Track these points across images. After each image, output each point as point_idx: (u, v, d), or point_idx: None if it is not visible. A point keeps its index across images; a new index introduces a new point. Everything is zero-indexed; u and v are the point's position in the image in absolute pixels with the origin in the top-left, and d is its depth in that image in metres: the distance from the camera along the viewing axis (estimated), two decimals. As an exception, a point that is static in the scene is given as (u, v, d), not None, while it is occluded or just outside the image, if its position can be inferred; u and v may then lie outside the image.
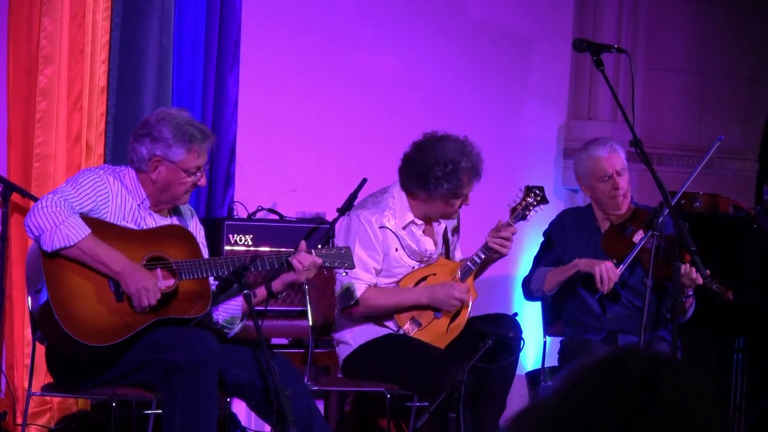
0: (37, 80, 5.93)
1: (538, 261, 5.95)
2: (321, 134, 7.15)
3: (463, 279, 5.56)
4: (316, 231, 6.36)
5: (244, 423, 6.28)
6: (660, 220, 5.36)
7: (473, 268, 5.55)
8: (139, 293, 4.63)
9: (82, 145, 6.04)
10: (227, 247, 6.18)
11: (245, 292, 4.71)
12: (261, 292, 4.92)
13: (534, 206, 5.62)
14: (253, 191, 6.75)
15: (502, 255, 5.54)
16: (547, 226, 5.99)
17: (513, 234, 5.52)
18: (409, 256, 5.53)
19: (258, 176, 6.90)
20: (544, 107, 7.93)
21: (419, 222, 5.54)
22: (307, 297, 5.83)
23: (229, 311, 5.01)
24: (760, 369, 6.73)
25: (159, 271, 4.74)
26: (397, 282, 5.53)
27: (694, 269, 5.37)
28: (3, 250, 5.83)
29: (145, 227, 4.83)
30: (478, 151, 5.48)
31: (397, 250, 5.50)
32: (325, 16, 7.18)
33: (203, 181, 4.91)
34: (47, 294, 4.61)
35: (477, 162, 5.45)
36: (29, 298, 4.87)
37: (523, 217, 5.61)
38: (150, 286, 4.65)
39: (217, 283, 4.94)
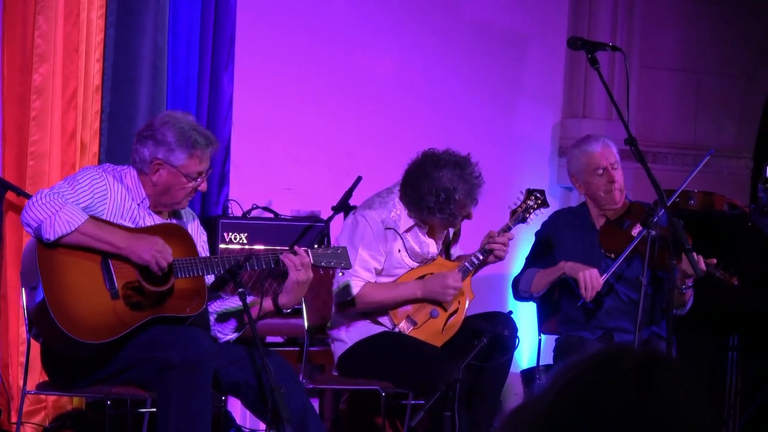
0: (32, 78, 5.93)
1: (529, 262, 5.95)
2: (316, 132, 7.15)
3: (461, 279, 5.56)
4: (311, 229, 6.36)
5: (239, 421, 6.27)
6: (655, 219, 5.36)
7: (471, 268, 5.55)
8: (155, 258, 4.64)
9: (76, 144, 6.03)
10: (222, 246, 6.18)
11: (240, 290, 4.71)
12: (266, 304, 4.89)
13: (534, 209, 5.63)
14: (247, 189, 6.74)
15: (499, 258, 5.54)
16: (539, 227, 5.98)
17: (509, 240, 5.52)
18: (410, 257, 5.53)
19: (253, 174, 6.90)
20: (538, 106, 7.93)
21: (423, 225, 5.54)
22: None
23: (222, 307, 5.00)
24: (756, 367, 6.74)
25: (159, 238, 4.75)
26: (394, 281, 5.53)
27: (701, 258, 5.37)
28: (-2, 249, 5.83)
29: (143, 226, 4.82)
30: (478, 174, 5.43)
31: (399, 251, 5.50)
32: (320, 16, 7.18)
33: (204, 187, 4.90)
34: (43, 291, 4.61)
35: (474, 189, 5.40)
36: (24, 295, 4.87)
37: (523, 220, 5.62)
38: (160, 247, 4.65)
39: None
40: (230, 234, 6.22)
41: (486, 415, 5.44)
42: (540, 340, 6.10)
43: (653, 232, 5.36)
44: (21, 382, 5.37)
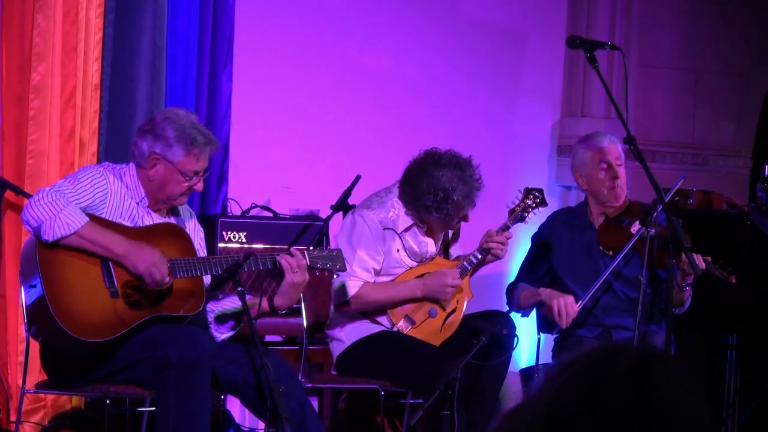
0: (30, 77, 5.93)
1: (525, 268, 5.94)
2: (315, 131, 7.15)
3: (457, 271, 5.56)
4: (310, 228, 6.36)
5: (238, 420, 6.28)
6: (653, 217, 5.36)
7: (469, 267, 5.55)
8: (149, 270, 4.63)
9: (75, 143, 6.03)
10: (221, 245, 6.18)
11: (239, 289, 4.71)
12: (264, 305, 4.89)
13: (533, 208, 5.62)
14: (246, 188, 6.74)
15: (498, 257, 5.54)
16: (536, 230, 5.97)
17: (508, 239, 5.52)
18: (409, 257, 5.53)
19: (252, 173, 6.90)
20: (537, 104, 7.93)
21: (421, 225, 5.53)
22: (301, 294, 5.83)
23: (220, 308, 5.00)
24: (754, 366, 6.74)
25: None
26: (393, 281, 5.53)
27: (699, 257, 5.37)
28: (-4, 248, 5.83)
29: (142, 225, 4.82)
30: (478, 176, 5.42)
31: (398, 251, 5.50)
32: (318, 14, 7.18)
33: (200, 186, 4.89)
34: (42, 288, 4.61)
35: (473, 191, 5.39)
36: (23, 293, 4.87)
37: (522, 219, 5.62)
38: (156, 259, 4.65)
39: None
40: (229, 233, 6.22)
41: (484, 414, 5.44)
42: (539, 339, 6.10)
43: (652, 231, 5.36)
44: (20, 381, 5.37)
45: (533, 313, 6.09)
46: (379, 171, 6.01)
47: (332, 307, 5.58)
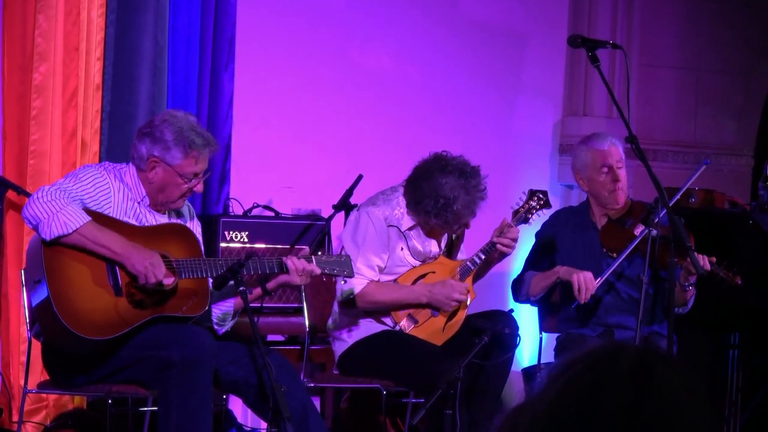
0: (32, 77, 5.93)
1: (529, 264, 5.95)
2: (316, 131, 7.15)
3: (462, 279, 5.56)
4: (312, 228, 6.36)
5: (240, 420, 6.28)
6: (657, 218, 5.36)
7: (473, 268, 5.55)
8: (147, 270, 4.63)
9: (77, 143, 6.03)
10: (223, 244, 6.18)
11: (241, 289, 4.71)
12: (255, 290, 4.91)
13: (536, 210, 5.62)
14: (248, 188, 6.74)
15: (506, 255, 5.54)
16: (540, 227, 5.98)
17: (518, 234, 5.52)
18: (412, 256, 5.53)
19: (253, 173, 6.90)
20: (539, 103, 7.93)
21: (423, 225, 5.53)
22: (303, 294, 5.84)
23: (222, 309, 5.01)
24: (755, 364, 6.74)
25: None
26: (395, 279, 5.53)
27: (705, 258, 5.37)
28: (-2, 248, 5.84)
29: (146, 224, 4.82)
30: (483, 187, 5.40)
31: (402, 249, 5.50)
32: (320, 14, 7.18)
33: (200, 188, 4.89)
34: (46, 285, 4.61)
35: (474, 202, 5.37)
36: (26, 290, 4.87)
37: (525, 220, 5.61)
38: (155, 261, 4.65)
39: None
40: (231, 233, 6.22)
41: (486, 414, 5.44)
42: (541, 339, 6.11)
43: (654, 231, 5.36)
44: (22, 381, 5.37)
45: (535, 313, 6.09)
46: (380, 170, 6.01)
47: (336, 305, 5.57)
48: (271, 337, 6.43)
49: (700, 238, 5.57)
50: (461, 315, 5.56)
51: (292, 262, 4.85)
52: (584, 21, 7.91)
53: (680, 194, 5.74)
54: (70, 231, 4.57)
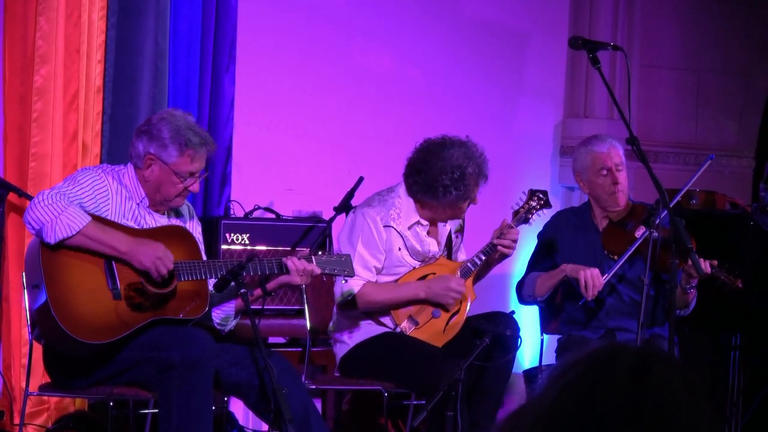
0: (33, 80, 5.93)
1: (532, 265, 5.95)
2: (317, 133, 7.15)
3: (462, 279, 5.56)
4: (313, 230, 6.36)
5: (241, 422, 6.28)
6: (658, 220, 5.36)
7: (473, 269, 5.55)
8: (155, 264, 4.64)
9: (78, 145, 6.03)
10: (224, 246, 6.18)
11: (242, 291, 4.71)
12: (255, 291, 4.92)
13: (537, 210, 5.62)
14: (249, 190, 6.74)
15: (506, 256, 5.54)
16: (541, 228, 5.98)
17: (518, 234, 5.53)
18: (411, 256, 5.53)
19: (254, 175, 6.90)
20: (540, 105, 7.93)
21: (424, 223, 5.54)
22: (305, 296, 5.84)
23: (225, 312, 5.01)
24: (756, 363, 6.74)
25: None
26: (396, 281, 5.53)
27: (704, 260, 5.38)
28: (0, 250, 5.83)
29: (145, 226, 4.82)
30: (482, 152, 5.48)
31: (400, 249, 5.50)
32: (321, 16, 7.18)
33: (196, 188, 4.88)
34: (45, 290, 4.61)
35: (482, 164, 5.45)
36: (27, 295, 4.87)
37: (526, 221, 5.61)
38: (161, 253, 4.66)
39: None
40: (232, 235, 6.22)
41: (487, 415, 5.44)
42: (542, 340, 6.11)
43: (656, 233, 5.36)
44: (23, 384, 5.37)
45: (536, 314, 6.09)
46: (382, 172, 6.00)
47: (335, 308, 5.58)
48: (272, 339, 6.43)
49: (701, 239, 5.56)
50: (461, 316, 5.56)
51: (292, 262, 4.85)
52: (585, 22, 7.91)
53: (684, 190, 5.74)
54: (74, 233, 4.57)
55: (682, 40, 8.25)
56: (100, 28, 6.10)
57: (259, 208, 6.61)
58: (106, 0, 6.10)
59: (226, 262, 4.82)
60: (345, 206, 6.13)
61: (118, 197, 4.78)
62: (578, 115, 7.98)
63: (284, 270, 4.86)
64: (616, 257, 5.64)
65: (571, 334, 5.80)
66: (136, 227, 4.80)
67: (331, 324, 5.64)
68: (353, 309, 5.48)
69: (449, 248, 5.69)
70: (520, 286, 5.89)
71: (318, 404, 5.70)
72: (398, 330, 5.52)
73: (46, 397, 5.84)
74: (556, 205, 6.70)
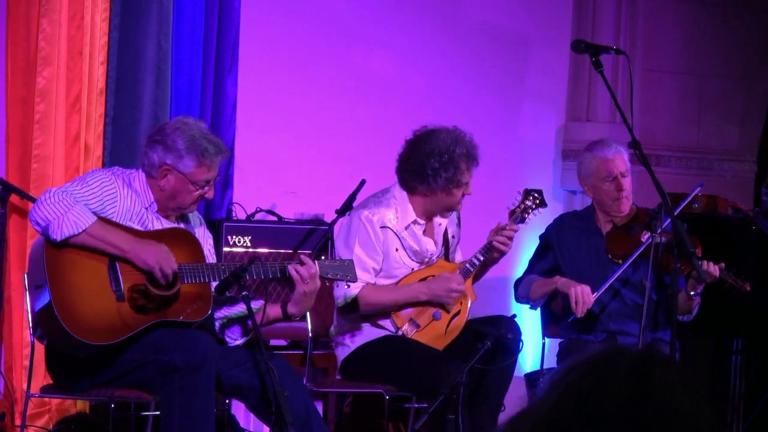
0: (36, 81, 5.93)
1: (532, 265, 5.95)
2: (320, 136, 7.15)
3: (462, 278, 5.56)
4: (315, 232, 6.36)
5: (243, 424, 6.28)
6: (660, 223, 5.36)
7: (472, 269, 5.55)
8: (159, 264, 4.65)
9: (80, 147, 6.04)
10: (226, 249, 6.18)
11: (244, 294, 4.71)
12: (275, 312, 4.91)
13: (533, 209, 5.63)
14: (251, 193, 6.74)
15: (503, 253, 5.54)
16: (544, 230, 5.98)
17: (514, 233, 5.53)
18: (409, 256, 5.53)
19: (257, 178, 6.90)
20: (542, 108, 7.93)
21: (421, 221, 5.54)
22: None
23: (229, 314, 5.01)
24: (757, 365, 6.73)
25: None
26: (396, 283, 5.52)
27: (711, 263, 5.38)
28: (1, 252, 5.83)
29: (150, 229, 4.83)
30: (470, 137, 5.49)
31: (397, 250, 5.50)
32: (324, 19, 7.18)
33: (210, 194, 4.91)
34: (48, 290, 4.62)
35: (471, 148, 5.46)
36: (29, 295, 4.87)
37: (522, 220, 5.62)
38: (164, 254, 4.67)
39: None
40: (234, 237, 6.22)
41: (489, 418, 5.44)
42: (544, 344, 6.11)
43: (659, 237, 5.36)
44: (25, 386, 5.38)
45: (538, 318, 6.09)
46: (383, 175, 6.00)
47: (336, 311, 5.58)
48: (273, 342, 6.43)
49: (703, 243, 5.57)
50: (462, 319, 5.57)
51: (295, 270, 4.85)
52: (588, 26, 7.91)
53: (678, 210, 5.74)
54: (80, 231, 4.59)
55: (684, 44, 8.25)
56: (102, 29, 6.10)
57: (261, 210, 6.61)
58: (108, 2, 6.11)
59: (229, 265, 4.83)
60: (347, 209, 6.13)
61: (125, 200, 4.79)
62: (580, 118, 7.98)
63: (286, 275, 4.86)
64: (620, 261, 5.64)
65: (572, 337, 5.80)
66: (141, 230, 4.80)
67: (332, 327, 5.64)
68: (354, 312, 5.48)
69: (446, 249, 5.69)
70: (517, 285, 5.90)
71: (319, 407, 5.70)
72: (399, 333, 5.52)
73: (47, 399, 5.84)
74: (559, 209, 6.70)
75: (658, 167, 7.45)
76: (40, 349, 5.00)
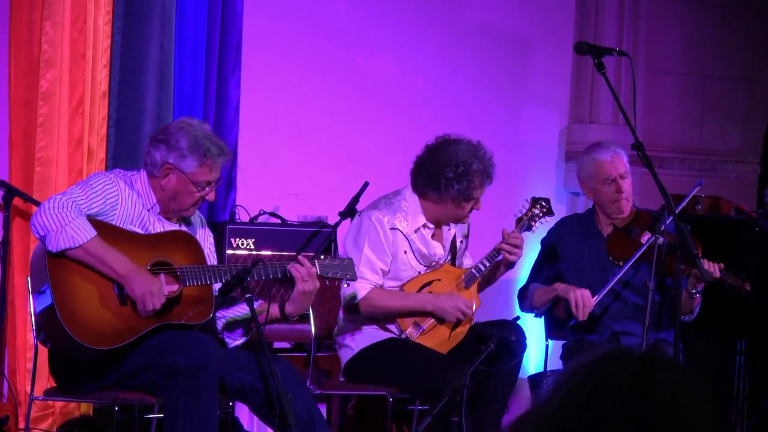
0: (39, 84, 5.94)
1: (534, 272, 5.95)
2: (323, 138, 7.16)
3: (467, 286, 5.56)
4: (318, 235, 6.37)
5: (246, 427, 6.27)
6: (663, 225, 5.36)
7: (477, 275, 5.55)
8: (144, 297, 4.63)
9: (83, 150, 6.04)
10: (229, 251, 6.19)
11: (247, 296, 4.71)
12: (272, 311, 4.91)
13: (540, 217, 5.63)
14: (254, 195, 6.75)
15: (511, 262, 5.53)
16: (545, 235, 5.98)
17: (522, 241, 5.53)
18: (417, 260, 5.53)
19: (260, 180, 6.91)
20: (545, 110, 7.93)
21: (430, 225, 5.54)
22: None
23: (231, 316, 5.02)
24: (760, 366, 6.73)
25: (163, 276, 4.75)
26: (401, 286, 5.52)
27: (712, 263, 5.39)
28: (5, 255, 5.83)
29: (153, 232, 4.83)
30: (490, 155, 5.49)
31: (406, 252, 5.50)
32: (326, 22, 7.19)
33: (211, 196, 4.91)
34: (51, 294, 4.61)
35: (488, 166, 5.46)
36: (32, 299, 4.87)
37: (529, 228, 5.62)
38: (155, 290, 4.65)
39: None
40: (237, 240, 6.23)
41: (492, 421, 5.44)
42: (547, 346, 6.10)
43: (661, 239, 5.36)
44: (28, 388, 5.38)
45: (540, 320, 6.09)
46: (386, 178, 6.01)
47: (341, 312, 5.58)
48: (277, 344, 6.43)
49: (706, 244, 5.57)
50: (466, 325, 5.56)
51: (295, 269, 4.85)
52: (590, 28, 7.92)
53: (679, 209, 5.74)
54: (76, 245, 4.58)
55: (686, 46, 8.25)
56: (105, 32, 6.11)
57: (264, 213, 6.61)
58: (111, 5, 6.11)
59: (230, 267, 4.83)
60: (350, 211, 6.13)
61: (127, 202, 4.79)
62: (583, 120, 7.98)
63: (288, 275, 4.87)
64: (621, 263, 5.64)
65: (576, 339, 5.81)
66: (142, 232, 4.80)
67: (336, 329, 5.64)
68: (358, 314, 5.48)
69: (453, 254, 5.69)
70: (521, 295, 5.90)
71: (323, 409, 5.70)
72: (403, 335, 5.52)
73: (51, 402, 5.85)
74: (561, 211, 6.70)
75: (661, 169, 7.46)
76: (43, 352, 5.00)
